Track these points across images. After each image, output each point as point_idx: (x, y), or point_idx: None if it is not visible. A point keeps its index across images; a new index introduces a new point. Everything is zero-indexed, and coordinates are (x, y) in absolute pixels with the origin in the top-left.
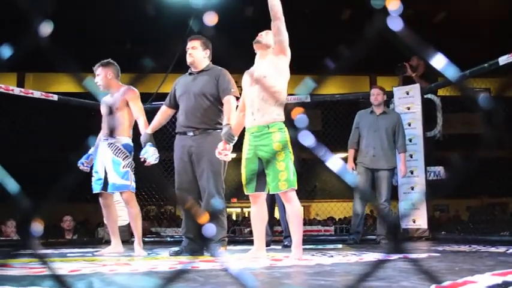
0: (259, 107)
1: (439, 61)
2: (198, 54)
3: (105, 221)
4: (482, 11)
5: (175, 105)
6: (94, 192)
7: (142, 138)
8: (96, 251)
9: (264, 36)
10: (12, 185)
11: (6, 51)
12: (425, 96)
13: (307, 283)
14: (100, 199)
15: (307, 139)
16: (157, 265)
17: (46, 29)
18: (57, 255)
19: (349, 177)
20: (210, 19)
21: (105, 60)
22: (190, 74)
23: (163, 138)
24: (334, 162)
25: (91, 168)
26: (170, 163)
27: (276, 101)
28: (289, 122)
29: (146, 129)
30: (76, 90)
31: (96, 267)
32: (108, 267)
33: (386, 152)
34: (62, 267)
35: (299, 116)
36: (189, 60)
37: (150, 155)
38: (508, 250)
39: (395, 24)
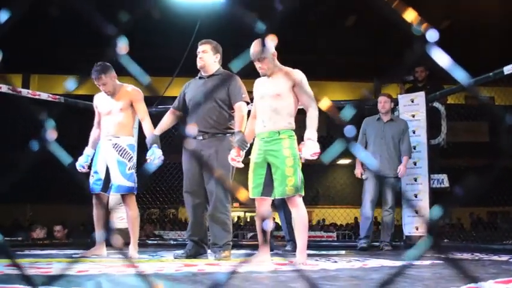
0: (270, 116)
1: (450, 66)
2: (208, 58)
3: (95, 222)
4: (487, 19)
5: (183, 109)
6: (93, 192)
7: (148, 140)
8: (75, 253)
9: (266, 67)
10: (65, 158)
11: (72, 84)
12: (430, 104)
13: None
14: (94, 199)
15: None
16: (164, 267)
17: (123, 45)
18: (63, 255)
19: (371, 162)
20: (271, 40)
21: (102, 66)
22: (200, 78)
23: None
24: (358, 149)
25: (89, 167)
26: (176, 166)
27: (288, 112)
28: (337, 129)
29: (153, 131)
30: (80, 93)
31: (103, 268)
32: (116, 268)
33: (392, 160)
34: (69, 267)
35: (348, 127)
36: (199, 64)
37: (157, 156)
38: (510, 259)
39: (435, 52)
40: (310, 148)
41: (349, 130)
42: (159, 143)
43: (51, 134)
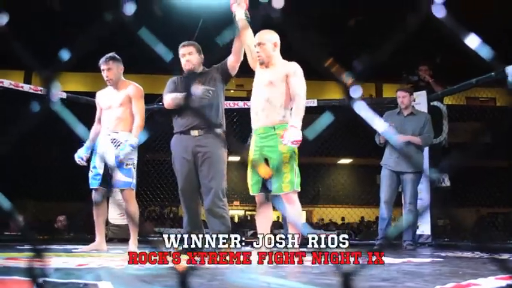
0: (263, 107)
1: (476, 44)
2: (195, 59)
3: (95, 217)
4: (490, 18)
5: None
6: (91, 187)
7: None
8: (75, 248)
9: (263, 54)
10: (83, 132)
11: (65, 54)
12: (431, 104)
13: (313, 282)
14: (93, 194)
15: (362, 109)
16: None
17: (131, 8)
18: (62, 250)
19: (393, 140)
20: (278, 2)
21: (114, 55)
22: (186, 77)
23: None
24: (379, 124)
25: (87, 162)
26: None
27: (281, 104)
28: (343, 89)
29: (137, 133)
30: (83, 90)
31: (103, 262)
32: (116, 262)
33: (411, 155)
34: (68, 261)
35: (354, 87)
36: (187, 66)
37: (124, 152)
38: (511, 257)
39: (439, 10)
40: (292, 135)
41: (355, 90)
42: (136, 145)
43: (56, 94)
